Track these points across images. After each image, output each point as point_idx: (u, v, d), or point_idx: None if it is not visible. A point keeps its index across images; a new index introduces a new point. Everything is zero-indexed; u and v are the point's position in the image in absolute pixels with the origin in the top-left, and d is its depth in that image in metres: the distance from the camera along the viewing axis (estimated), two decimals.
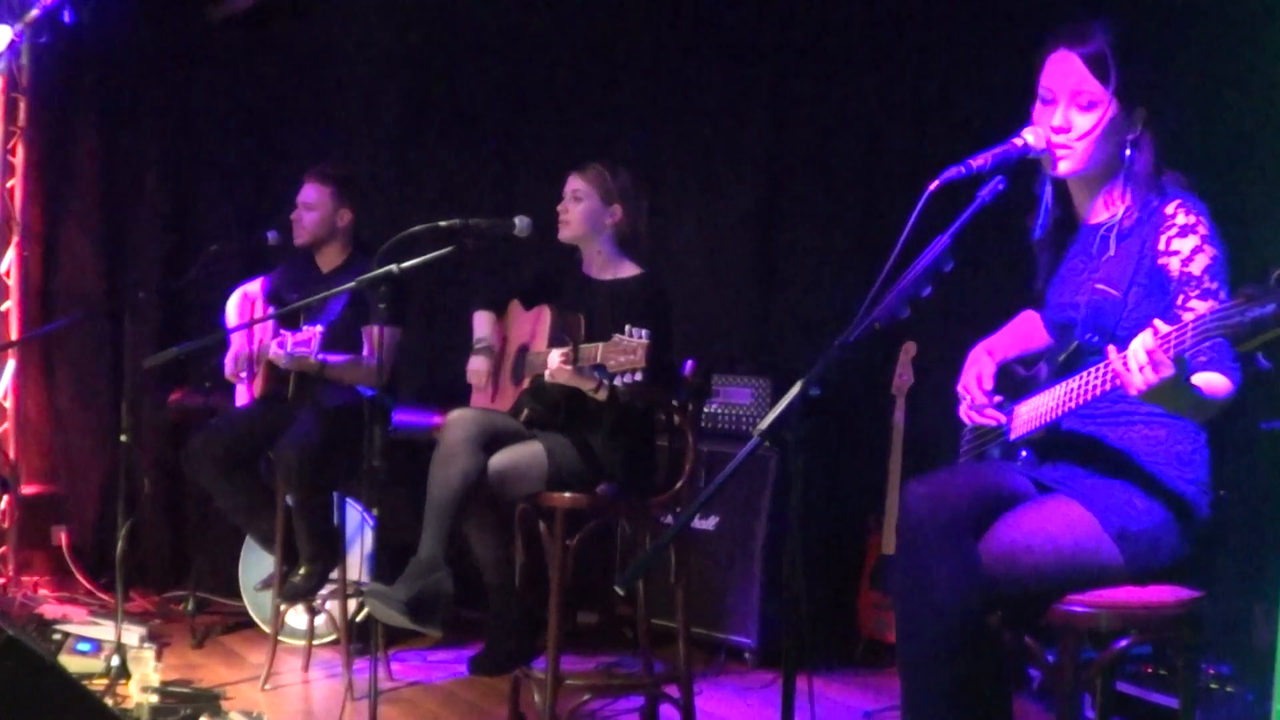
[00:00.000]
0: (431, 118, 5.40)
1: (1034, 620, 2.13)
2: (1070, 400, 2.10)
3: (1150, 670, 3.27)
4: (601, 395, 3.08)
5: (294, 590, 3.79)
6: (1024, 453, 2.29)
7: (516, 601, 3.28)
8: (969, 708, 2.07)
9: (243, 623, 4.54)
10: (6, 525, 5.26)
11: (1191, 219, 2.10)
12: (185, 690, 3.53)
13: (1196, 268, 2.07)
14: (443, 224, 3.22)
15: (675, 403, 3.28)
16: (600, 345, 2.93)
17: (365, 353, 3.87)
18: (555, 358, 3.05)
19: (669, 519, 3.47)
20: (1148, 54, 2.22)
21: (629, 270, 3.41)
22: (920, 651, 2.09)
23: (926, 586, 2.06)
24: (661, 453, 3.51)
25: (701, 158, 4.89)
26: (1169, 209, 2.13)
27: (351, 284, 3.20)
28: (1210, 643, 3.10)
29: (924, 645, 2.08)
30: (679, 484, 3.29)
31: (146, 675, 3.43)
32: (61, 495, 5.46)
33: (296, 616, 4.14)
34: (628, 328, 2.85)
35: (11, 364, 5.40)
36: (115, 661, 3.64)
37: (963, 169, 2.04)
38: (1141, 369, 1.81)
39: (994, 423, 2.35)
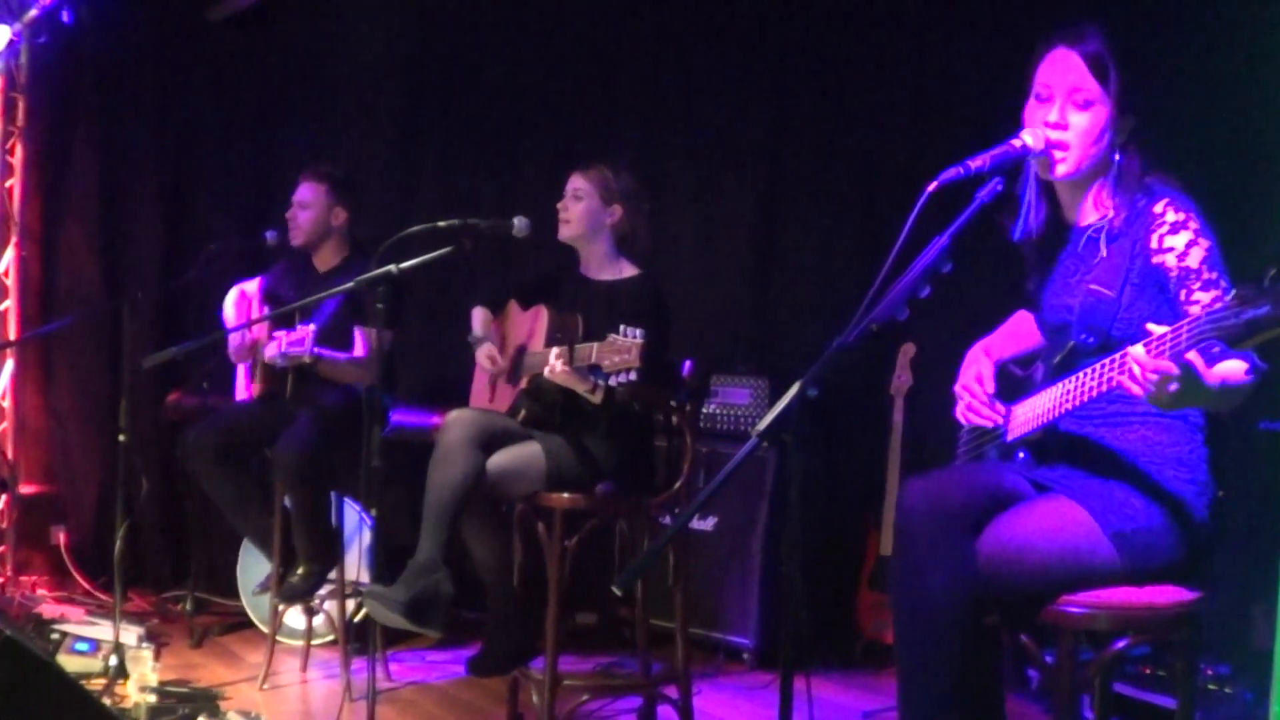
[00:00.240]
0: (431, 118, 5.41)
1: (1031, 620, 2.13)
2: (1068, 401, 2.10)
3: (1149, 671, 3.27)
4: (597, 398, 3.08)
5: (292, 590, 3.79)
6: (1021, 454, 2.29)
7: (515, 602, 3.28)
8: (966, 707, 2.07)
9: (241, 623, 4.54)
10: (5, 525, 5.26)
11: (1181, 215, 2.11)
12: (183, 690, 3.54)
13: (1194, 261, 2.07)
14: (441, 224, 3.22)
15: (674, 403, 3.28)
16: (595, 345, 2.94)
17: (357, 351, 3.88)
18: (554, 357, 3.05)
19: (667, 519, 3.47)
20: (1141, 63, 2.22)
21: (627, 271, 3.41)
22: (917, 652, 2.09)
23: (923, 587, 2.05)
24: (660, 453, 3.51)
25: (701, 158, 4.89)
26: (1157, 208, 2.13)
27: (350, 284, 3.20)
28: (1209, 643, 3.10)
29: (921, 645, 2.08)
30: (677, 484, 3.29)
31: (144, 675, 3.43)
32: (60, 495, 5.46)
33: (295, 617, 4.14)
34: (622, 327, 2.86)
35: (10, 364, 5.40)
36: (113, 661, 3.63)
37: (961, 170, 2.04)
38: (1145, 377, 1.81)
39: (991, 423, 2.35)
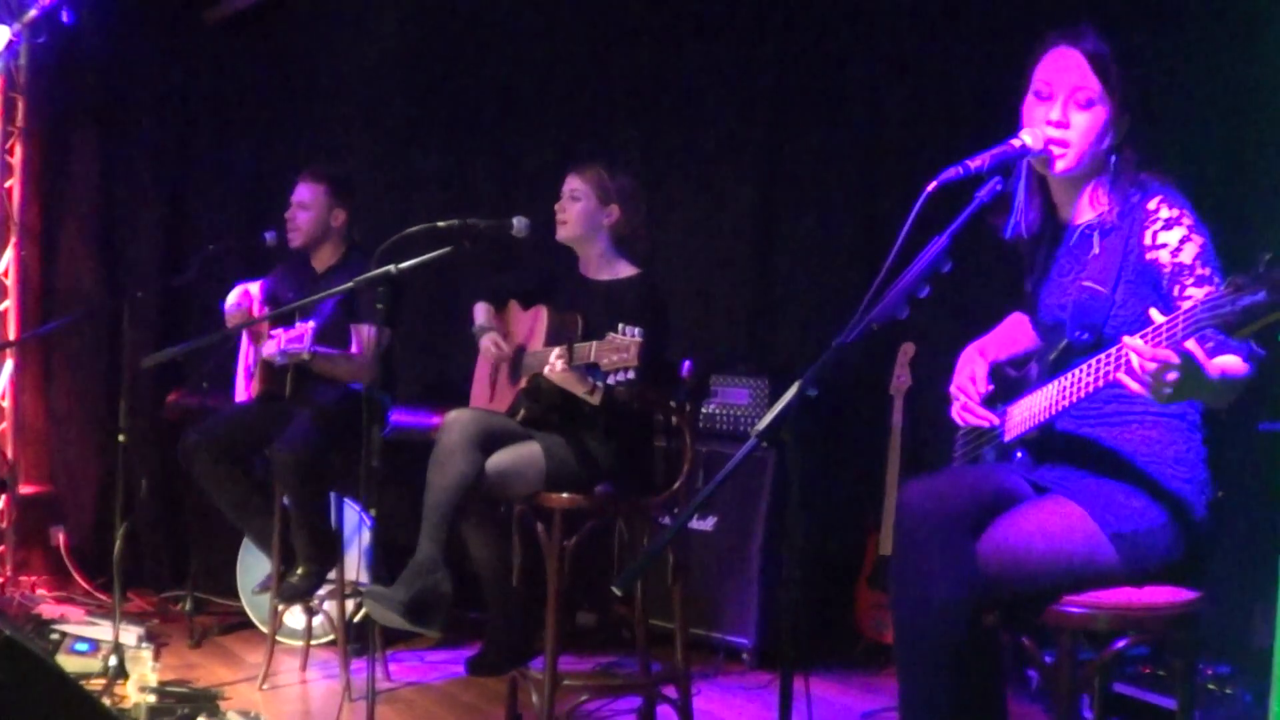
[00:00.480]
0: (431, 118, 5.40)
1: (1031, 621, 2.13)
2: (1064, 398, 2.10)
3: (1148, 671, 3.27)
4: (595, 400, 3.08)
5: (292, 591, 3.79)
6: (1019, 453, 2.29)
7: (514, 602, 3.28)
8: (966, 708, 2.07)
9: (241, 623, 4.54)
10: (4, 525, 5.25)
11: (1175, 211, 2.10)
12: (183, 690, 3.53)
13: (1187, 256, 2.07)
14: (441, 224, 3.21)
15: (673, 403, 3.28)
16: (594, 343, 2.94)
17: (354, 349, 3.88)
18: (554, 357, 3.05)
19: (667, 519, 3.46)
20: (1138, 62, 2.22)
21: (625, 271, 3.41)
22: (917, 652, 2.08)
23: (923, 587, 2.05)
24: (659, 453, 3.51)
25: (701, 158, 4.88)
26: (1151, 204, 2.13)
27: (349, 284, 3.20)
28: (1209, 643, 3.10)
29: (921, 646, 2.07)
30: (677, 484, 3.28)
31: (144, 675, 3.43)
32: (59, 495, 5.46)
33: (294, 617, 4.14)
34: (621, 326, 2.86)
35: (10, 364, 5.40)
36: (113, 661, 3.63)
37: (961, 170, 2.04)
38: (1144, 371, 1.80)
39: (987, 423, 2.35)
